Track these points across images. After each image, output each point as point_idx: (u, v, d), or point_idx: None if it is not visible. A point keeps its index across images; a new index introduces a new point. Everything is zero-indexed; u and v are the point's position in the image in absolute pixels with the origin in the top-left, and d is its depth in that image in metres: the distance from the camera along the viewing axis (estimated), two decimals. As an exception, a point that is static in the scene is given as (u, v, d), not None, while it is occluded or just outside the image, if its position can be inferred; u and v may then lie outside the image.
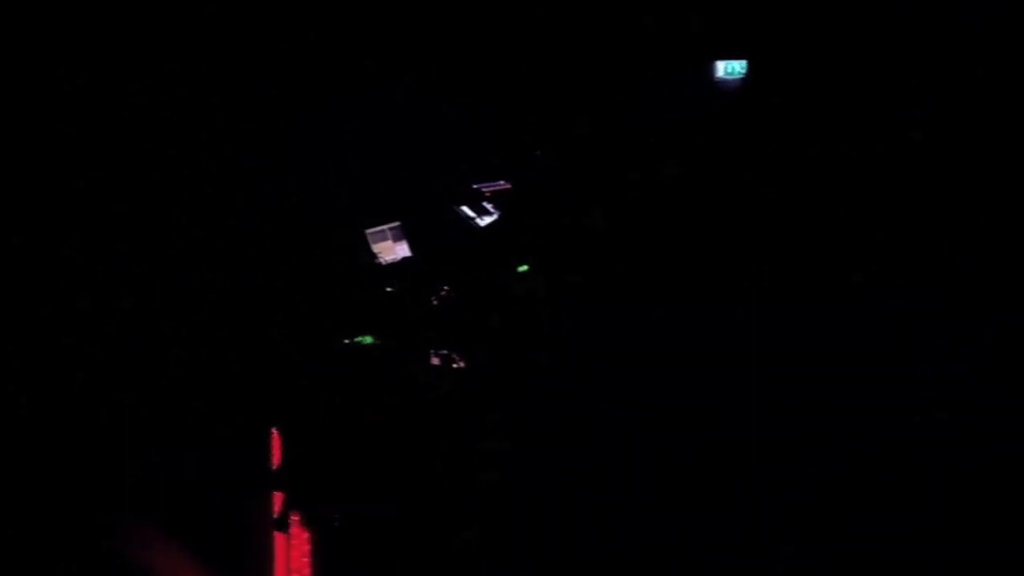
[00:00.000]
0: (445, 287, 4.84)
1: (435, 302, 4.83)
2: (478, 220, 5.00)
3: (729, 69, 5.05)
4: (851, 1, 4.75)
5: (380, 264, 4.91)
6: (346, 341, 4.74)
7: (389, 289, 4.86)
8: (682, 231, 4.71)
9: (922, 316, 4.37)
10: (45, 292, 4.44)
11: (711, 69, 5.04)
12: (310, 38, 4.65)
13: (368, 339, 4.69)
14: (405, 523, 4.28)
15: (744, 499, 4.20)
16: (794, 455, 4.24)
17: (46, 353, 4.40)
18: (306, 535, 4.37)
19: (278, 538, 4.39)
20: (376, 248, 4.92)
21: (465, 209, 5.02)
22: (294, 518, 4.41)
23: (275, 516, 4.42)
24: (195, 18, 4.50)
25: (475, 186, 5.03)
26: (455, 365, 4.73)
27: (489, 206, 5.02)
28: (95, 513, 4.30)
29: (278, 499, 4.44)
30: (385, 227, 4.92)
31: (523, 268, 4.83)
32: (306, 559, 4.33)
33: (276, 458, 4.54)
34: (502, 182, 5.04)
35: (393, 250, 4.94)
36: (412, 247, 4.95)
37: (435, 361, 4.74)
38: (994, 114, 4.57)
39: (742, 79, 5.03)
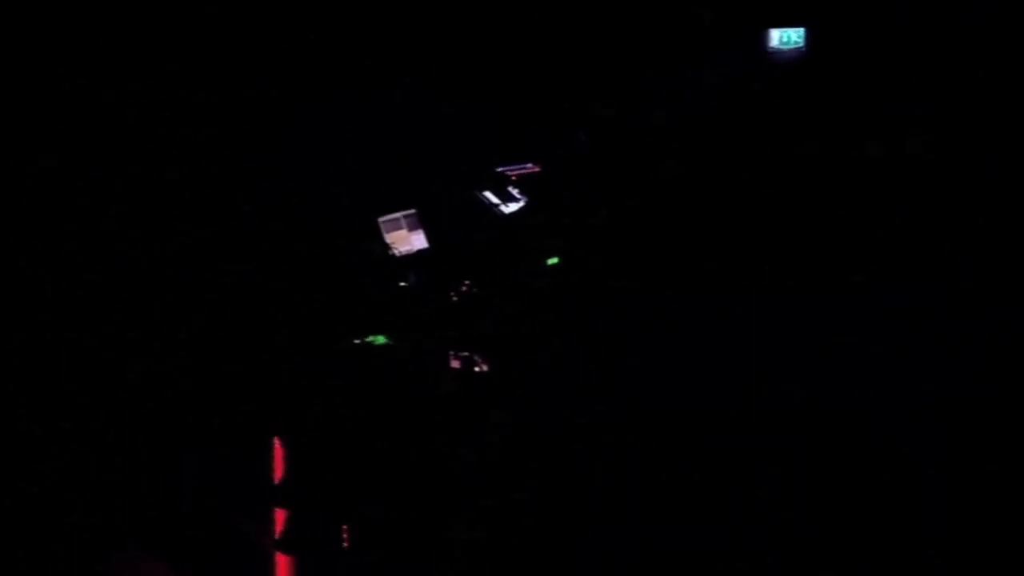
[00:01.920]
0: (465, 282, 4.51)
1: (454, 298, 4.51)
2: (502, 207, 4.60)
3: (784, 38, 4.60)
4: None
5: (394, 256, 4.52)
6: (356, 341, 4.42)
7: (403, 284, 4.52)
8: (702, 225, 4.53)
9: (922, 316, 4.37)
10: (44, 293, 4.15)
11: (764, 38, 4.58)
12: (310, 38, 4.25)
13: (380, 339, 4.37)
14: (410, 528, 4.25)
15: (744, 499, 4.28)
16: (794, 455, 4.30)
17: (45, 355, 4.14)
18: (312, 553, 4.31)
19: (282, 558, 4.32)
20: (389, 238, 4.52)
21: (488, 195, 4.60)
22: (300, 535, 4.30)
23: (278, 534, 4.30)
24: (195, 18, 4.05)
25: (499, 169, 4.60)
26: (476, 368, 4.51)
27: (515, 191, 4.60)
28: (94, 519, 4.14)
29: (281, 515, 4.31)
30: (399, 215, 4.51)
31: (553, 261, 4.51)
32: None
33: (279, 468, 4.34)
34: (529, 165, 4.60)
35: (408, 240, 4.55)
36: (429, 237, 4.56)
37: (455, 363, 4.49)
38: (994, 114, 4.46)
39: (798, 50, 4.60)
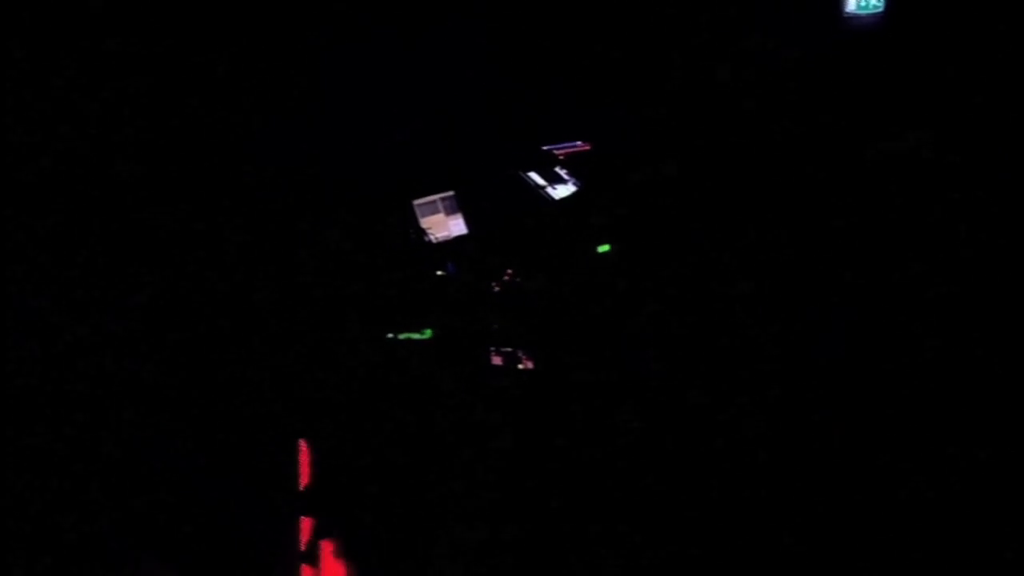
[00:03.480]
0: (509, 271, 4.17)
1: (496, 289, 4.16)
2: (549, 189, 4.28)
3: (862, 2, 4.18)
4: None
5: (430, 242, 4.25)
6: (389, 336, 4.09)
7: (440, 273, 4.21)
8: (767, 208, 4.11)
9: (922, 316, 3.97)
10: (47, 288, 3.98)
11: (840, 1, 4.19)
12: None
13: (428, 333, 4.04)
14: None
15: (747, 501, 3.89)
16: (793, 456, 3.91)
17: (47, 353, 3.95)
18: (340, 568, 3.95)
19: (306, 572, 3.98)
20: (425, 223, 4.25)
21: (533, 176, 4.30)
22: (325, 548, 3.95)
23: (303, 547, 3.96)
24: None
25: (546, 148, 4.31)
26: (520, 366, 4.10)
27: (563, 172, 4.29)
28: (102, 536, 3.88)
29: (306, 525, 3.98)
30: (436, 197, 4.25)
31: (604, 249, 4.14)
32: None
33: (304, 475, 4.02)
34: (579, 143, 4.26)
35: (446, 225, 4.29)
36: (469, 222, 4.29)
37: (496, 360, 4.10)
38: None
39: (878, 15, 4.21)
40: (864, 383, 4.02)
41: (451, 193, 4.25)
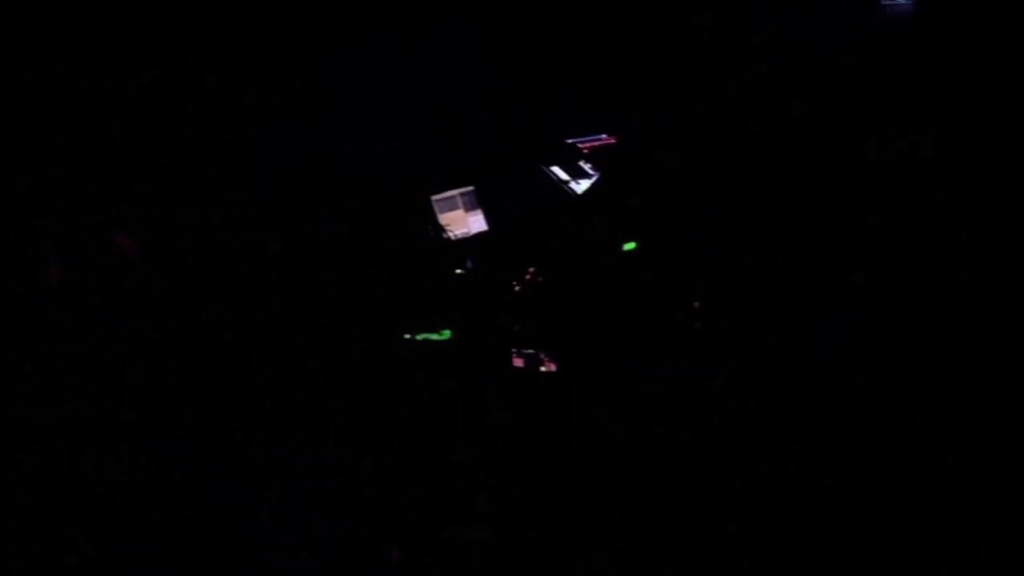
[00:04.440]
0: (531, 269, 4.08)
1: (518, 288, 4.09)
2: (573, 184, 4.21)
3: (899, -10, 4.09)
4: None
5: (449, 239, 4.18)
6: (406, 336, 4.00)
7: (460, 271, 4.14)
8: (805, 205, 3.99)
9: (920, 317, 3.91)
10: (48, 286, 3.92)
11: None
12: None
13: (447, 334, 3.95)
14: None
15: (748, 502, 3.83)
16: (793, 458, 3.85)
17: (50, 356, 3.85)
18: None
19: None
20: (444, 219, 4.17)
21: (556, 170, 4.23)
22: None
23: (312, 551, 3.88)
24: None
25: (569, 141, 4.24)
26: (543, 368, 3.99)
27: (587, 167, 4.22)
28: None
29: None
30: (456, 193, 4.17)
31: (630, 246, 4.05)
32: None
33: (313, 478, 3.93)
34: (604, 136, 4.20)
35: (465, 222, 4.21)
36: (489, 218, 4.22)
37: (518, 362, 4.00)
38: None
39: (915, 4, 4.11)
40: (869, 383, 3.91)
41: (471, 188, 4.19)
